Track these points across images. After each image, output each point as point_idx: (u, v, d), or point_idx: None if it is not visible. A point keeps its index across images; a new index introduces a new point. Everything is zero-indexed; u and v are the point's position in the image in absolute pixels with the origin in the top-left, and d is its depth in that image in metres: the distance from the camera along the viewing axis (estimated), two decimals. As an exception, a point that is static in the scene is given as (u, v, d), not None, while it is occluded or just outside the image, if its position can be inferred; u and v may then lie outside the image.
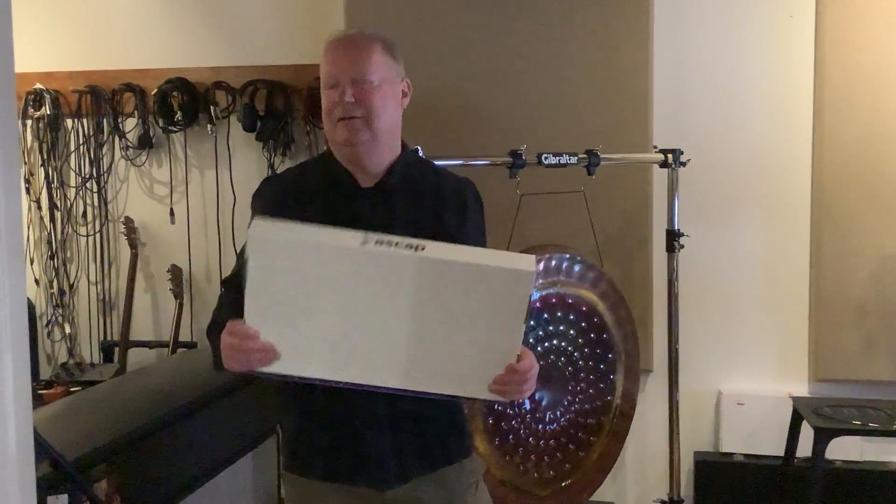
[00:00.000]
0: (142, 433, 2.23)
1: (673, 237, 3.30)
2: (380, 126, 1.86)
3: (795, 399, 3.35)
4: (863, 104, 3.43)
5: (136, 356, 4.02)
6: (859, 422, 3.03)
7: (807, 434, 3.11)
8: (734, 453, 3.58)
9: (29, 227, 4.14)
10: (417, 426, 1.90)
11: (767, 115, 3.58)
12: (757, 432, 3.54)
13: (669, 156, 3.23)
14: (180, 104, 3.92)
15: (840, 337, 3.49)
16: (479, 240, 1.97)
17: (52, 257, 4.13)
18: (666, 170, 3.27)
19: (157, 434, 2.29)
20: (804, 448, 3.19)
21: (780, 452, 3.36)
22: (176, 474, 2.41)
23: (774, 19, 3.55)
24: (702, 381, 3.64)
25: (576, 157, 2.96)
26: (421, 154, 2.37)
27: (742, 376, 3.65)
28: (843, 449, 3.32)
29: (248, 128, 3.86)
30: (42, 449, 1.78)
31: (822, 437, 2.98)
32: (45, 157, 4.09)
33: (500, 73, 3.59)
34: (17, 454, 1.24)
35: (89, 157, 4.09)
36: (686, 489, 3.61)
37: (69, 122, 4.10)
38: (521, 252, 2.80)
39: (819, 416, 3.09)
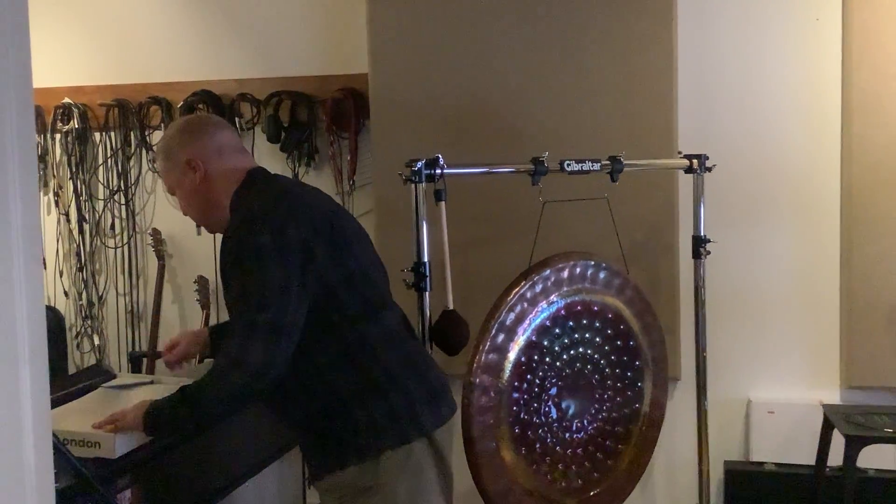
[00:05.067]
0: (167, 442, 2.24)
1: (699, 243, 3.26)
2: (197, 217, 2.32)
3: (826, 406, 3.30)
4: (892, 106, 3.37)
5: (164, 366, 4.01)
6: (891, 429, 2.98)
7: (838, 442, 3.06)
8: (765, 462, 3.54)
9: (58, 240, 4.20)
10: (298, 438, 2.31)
11: (794, 119, 3.53)
12: (788, 441, 3.50)
13: (695, 161, 3.19)
14: (205, 116, 3.95)
15: (872, 343, 3.43)
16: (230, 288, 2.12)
17: (80, 269, 4.18)
18: (691, 175, 3.24)
19: (182, 444, 2.29)
20: (836, 457, 3.14)
21: (812, 461, 3.31)
22: (201, 484, 2.41)
23: (800, 22, 3.50)
24: (731, 389, 3.60)
25: (598, 164, 2.94)
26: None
27: (772, 384, 3.60)
28: (876, 457, 3.26)
29: (273, 139, 3.88)
30: (63, 459, 1.79)
31: (854, 445, 2.94)
32: (74, 170, 4.14)
33: (522, 79, 3.58)
34: (36, 468, 1.24)
35: (117, 170, 4.14)
36: (716, 499, 3.56)
37: (97, 135, 4.16)
38: (544, 258, 2.83)
39: (850, 423, 3.04)
